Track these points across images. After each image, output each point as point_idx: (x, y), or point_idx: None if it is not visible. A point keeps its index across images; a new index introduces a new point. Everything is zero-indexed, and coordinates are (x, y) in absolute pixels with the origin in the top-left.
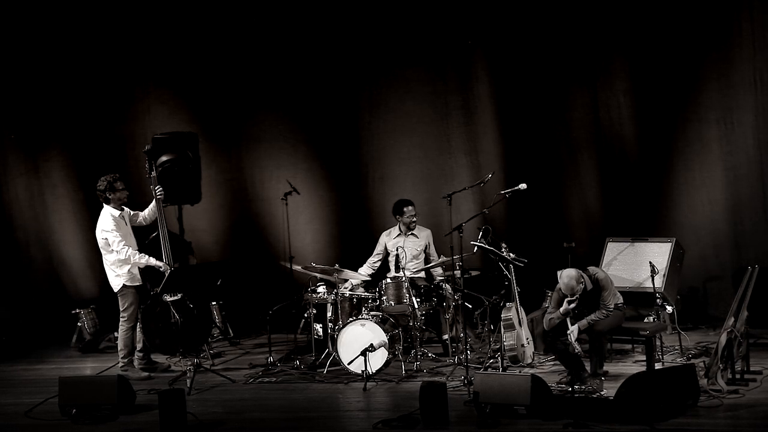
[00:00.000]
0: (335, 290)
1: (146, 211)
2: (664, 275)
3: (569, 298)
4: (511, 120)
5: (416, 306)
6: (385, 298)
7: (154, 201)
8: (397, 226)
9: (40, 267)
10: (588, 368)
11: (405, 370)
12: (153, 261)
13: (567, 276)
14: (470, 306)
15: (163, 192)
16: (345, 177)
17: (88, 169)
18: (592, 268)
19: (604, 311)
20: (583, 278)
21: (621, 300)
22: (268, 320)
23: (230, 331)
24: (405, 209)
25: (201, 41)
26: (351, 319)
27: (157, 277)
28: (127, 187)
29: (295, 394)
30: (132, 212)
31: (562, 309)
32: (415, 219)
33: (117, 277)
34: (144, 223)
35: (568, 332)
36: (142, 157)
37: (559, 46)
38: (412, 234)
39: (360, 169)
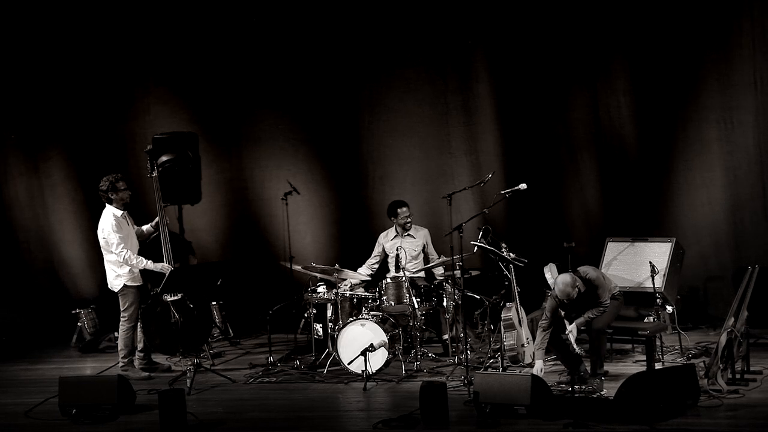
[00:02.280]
0: (335, 290)
1: (143, 228)
2: (664, 275)
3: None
4: (511, 120)
5: (416, 306)
6: (385, 298)
7: (150, 224)
8: (393, 228)
9: (40, 267)
10: (588, 368)
11: (405, 370)
12: (151, 265)
13: (562, 282)
14: (475, 298)
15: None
16: (345, 177)
17: (88, 169)
18: (582, 269)
19: (600, 308)
20: (577, 282)
21: (617, 289)
22: (268, 320)
23: (230, 331)
24: (399, 210)
25: (201, 41)
26: (351, 319)
27: (157, 277)
28: (128, 187)
29: (295, 394)
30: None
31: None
32: (409, 220)
33: (118, 277)
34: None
35: (567, 332)
36: (143, 157)
37: (559, 46)
38: (408, 235)
39: (360, 169)
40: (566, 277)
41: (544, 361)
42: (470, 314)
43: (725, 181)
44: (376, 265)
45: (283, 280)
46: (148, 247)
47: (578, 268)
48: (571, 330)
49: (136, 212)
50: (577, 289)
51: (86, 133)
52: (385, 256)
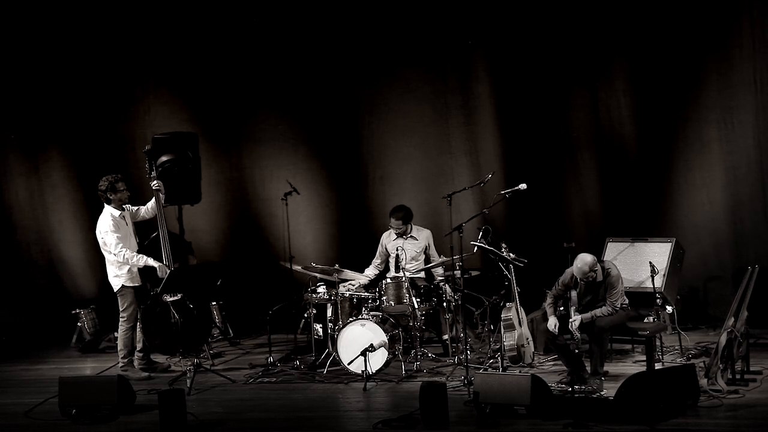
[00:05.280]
0: (339, 289)
1: (148, 206)
2: (664, 275)
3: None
4: (511, 120)
5: (416, 306)
6: (385, 298)
7: (154, 197)
8: None
9: (40, 267)
10: (588, 368)
11: (405, 370)
12: (151, 262)
13: (582, 260)
14: (471, 309)
15: (160, 184)
16: (345, 177)
17: (88, 169)
18: (607, 262)
19: (609, 308)
20: (597, 267)
21: (627, 301)
22: (268, 320)
23: (230, 331)
24: (391, 218)
25: (201, 41)
26: (351, 319)
27: (157, 277)
28: (127, 187)
29: (295, 394)
30: (134, 208)
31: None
32: (400, 231)
33: (116, 278)
34: (147, 217)
35: (571, 320)
36: (143, 158)
37: (559, 46)
38: (411, 236)
39: (360, 169)
40: (587, 257)
41: (556, 317)
42: (470, 314)
43: (725, 181)
44: (382, 265)
45: (283, 280)
46: (147, 247)
47: (604, 260)
48: (575, 320)
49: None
50: (593, 274)
51: (86, 133)
52: (387, 255)
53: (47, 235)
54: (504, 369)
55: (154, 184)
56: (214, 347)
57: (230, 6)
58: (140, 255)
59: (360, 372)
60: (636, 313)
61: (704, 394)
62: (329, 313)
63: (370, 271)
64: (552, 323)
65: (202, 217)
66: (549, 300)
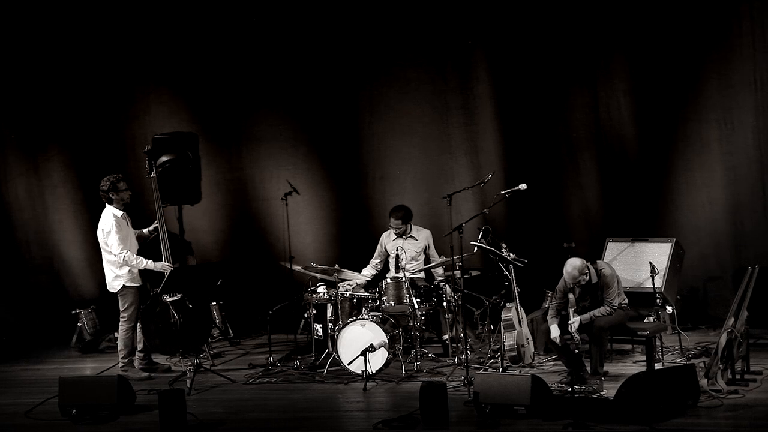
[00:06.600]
0: (338, 289)
1: (143, 231)
2: (664, 275)
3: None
4: (511, 120)
5: (416, 306)
6: (385, 298)
7: (147, 229)
8: None
9: (40, 267)
10: (588, 368)
11: (405, 371)
12: (151, 264)
13: (571, 265)
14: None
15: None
16: (345, 177)
17: (88, 169)
18: (600, 263)
19: (608, 308)
20: (588, 269)
21: (626, 300)
22: (268, 320)
23: (230, 331)
24: (390, 218)
25: (201, 41)
26: (351, 319)
27: (157, 277)
28: (128, 187)
29: (295, 394)
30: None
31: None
32: (400, 231)
33: (117, 278)
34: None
35: (570, 322)
36: (143, 158)
37: (559, 46)
38: (411, 236)
39: (360, 169)
40: (576, 261)
41: (557, 327)
42: (470, 314)
43: (725, 181)
44: (380, 265)
45: (283, 280)
46: (147, 247)
47: (597, 261)
48: (574, 321)
49: (136, 213)
50: (585, 277)
51: (86, 133)
52: (387, 255)
53: (47, 234)
54: (504, 369)
55: (152, 227)
56: (214, 347)
57: (230, 6)
58: (140, 258)
59: (360, 372)
60: (636, 313)
61: (704, 395)
62: (329, 313)
63: (368, 272)
64: (554, 334)
65: (202, 217)
66: (552, 312)
